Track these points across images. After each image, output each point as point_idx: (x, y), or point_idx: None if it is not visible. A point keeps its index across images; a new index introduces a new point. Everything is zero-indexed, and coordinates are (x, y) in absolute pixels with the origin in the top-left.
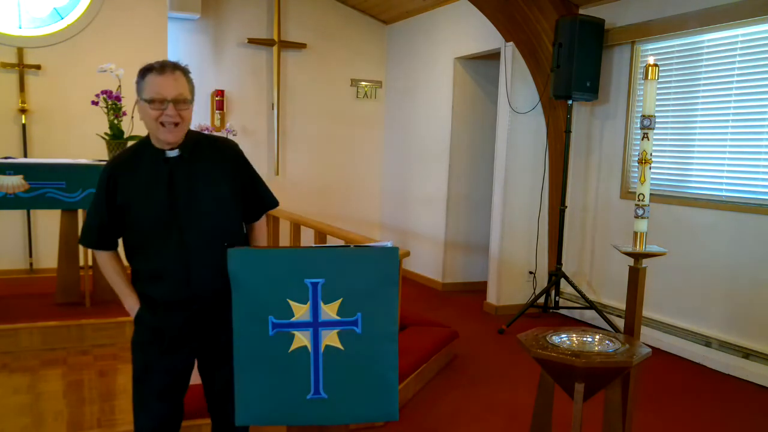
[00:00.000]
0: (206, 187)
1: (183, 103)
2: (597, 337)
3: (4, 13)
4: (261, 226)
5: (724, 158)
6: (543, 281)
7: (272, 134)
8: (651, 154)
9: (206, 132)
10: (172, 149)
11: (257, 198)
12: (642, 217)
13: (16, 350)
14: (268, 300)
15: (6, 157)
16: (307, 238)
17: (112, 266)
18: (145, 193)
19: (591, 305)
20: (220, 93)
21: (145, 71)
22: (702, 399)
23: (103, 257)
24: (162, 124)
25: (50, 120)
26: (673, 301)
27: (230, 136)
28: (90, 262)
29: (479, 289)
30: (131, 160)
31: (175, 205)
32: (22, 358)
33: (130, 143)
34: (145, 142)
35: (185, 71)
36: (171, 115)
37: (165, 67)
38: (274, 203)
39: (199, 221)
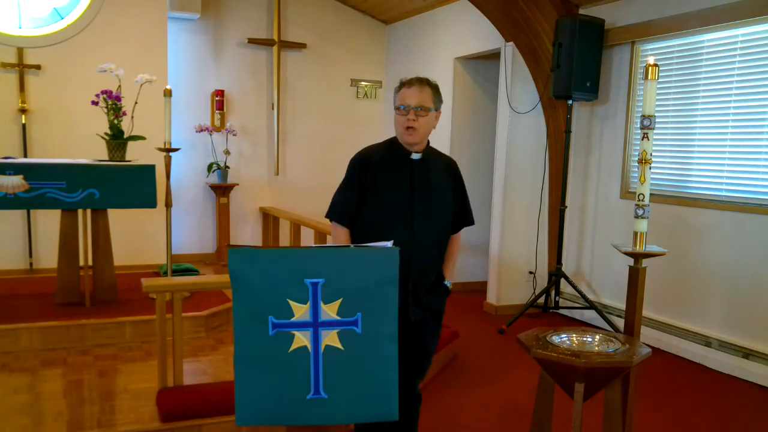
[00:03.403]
0: (438, 190)
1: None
2: (597, 337)
3: (4, 13)
4: (458, 239)
5: (724, 158)
6: (543, 281)
7: (272, 134)
8: (651, 154)
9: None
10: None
11: (464, 211)
12: (642, 217)
13: (16, 350)
14: (268, 300)
15: (6, 157)
16: (307, 238)
17: (344, 242)
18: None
19: (591, 305)
20: (220, 93)
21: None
22: (702, 399)
23: (341, 234)
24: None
25: (50, 120)
26: (673, 301)
27: (230, 136)
28: (90, 262)
29: (479, 289)
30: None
31: (412, 196)
32: (22, 358)
33: (130, 143)
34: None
35: (432, 85)
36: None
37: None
38: (471, 222)
39: (428, 214)
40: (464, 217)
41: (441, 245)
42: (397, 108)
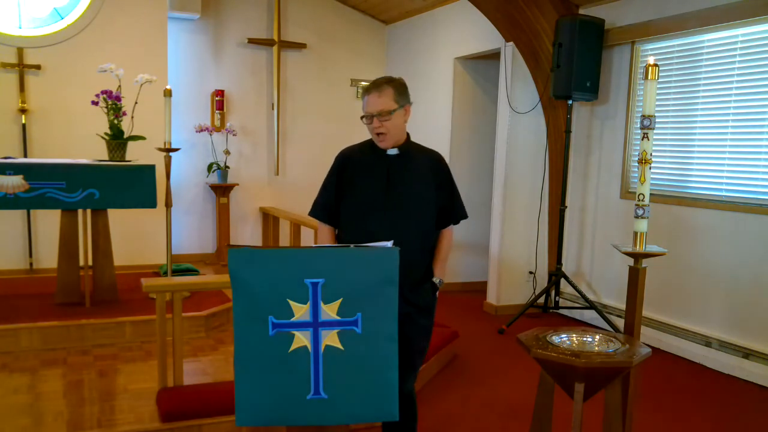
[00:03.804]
0: (416, 185)
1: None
2: (597, 337)
3: (4, 13)
4: (449, 235)
5: (724, 158)
6: (543, 281)
7: (272, 134)
8: (651, 154)
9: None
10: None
11: (451, 206)
12: (642, 217)
13: (16, 350)
14: (268, 300)
15: (6, 157)
16: (307, 238)
17: (328, 240)
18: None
19: (591, 305)
20: (220, 93)
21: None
22: (702, 399)
23: (324, 231)
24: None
25: (50, 120)
26: (673, 301)
27: (230, 136)
28: (90, 262)
29: (479, 289)
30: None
31: (389, 191)
32: (22, 358)
33: (129, 143)
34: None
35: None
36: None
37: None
38: (461, 216)
39: (406, 209)
40: (452, 212)
41: (424, 240)
42: (362, 118)
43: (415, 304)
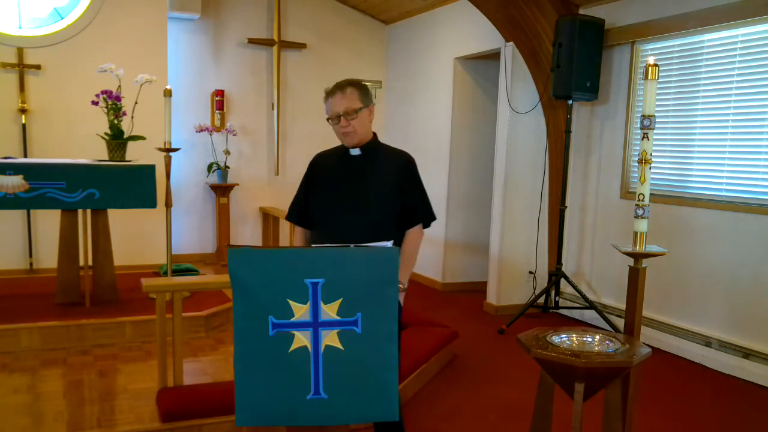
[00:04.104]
0: (376, 182)
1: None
2: (597, 337)
3: (4, 13)
4: (413, 236)
5: (724, 158)
6: (543, 281)
7: (272, 134)
8: (651, 154)
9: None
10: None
11: (414, 207)
12: (642, 217)
13: (16, 350)
14: (268, 300)
15: (6, 157)
16: None
17: (300, 242)
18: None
19: (591, 305)
20: (220, 93)
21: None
22: (702, 399)
23: (297, 232)
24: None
25: (50, 120)
26: (673, 301)
27: (230, 136)
28: (90, 262)
29: (479, 289)
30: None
31: (348, 189)
32: (22, 358)
33: (129, 143)
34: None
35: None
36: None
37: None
38: (427, 218)
39: (362, 205)
40: (416, 212)
41: (381, 238)
42: (328, 120)
43: None
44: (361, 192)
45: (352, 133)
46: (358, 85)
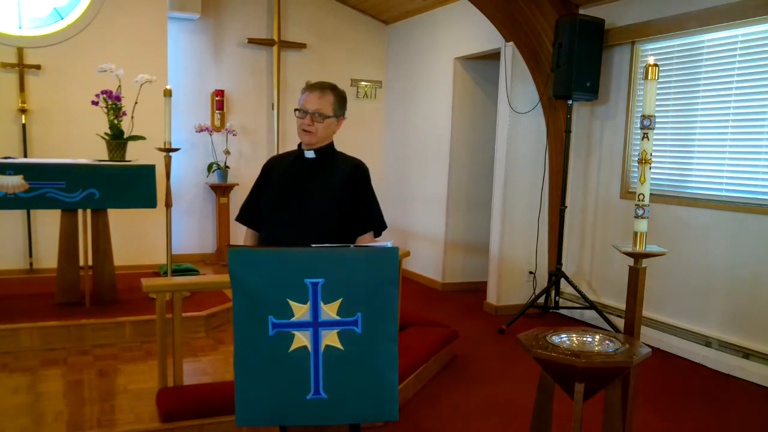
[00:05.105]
0: (322, 185)
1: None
2: (597, 337)
3: (4, 13)
4: (365, 242)
5: (724, 158)
6: (543, 281)
7: (272, 134)
8: (651, 154)
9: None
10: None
11: (363, 214)
12: (642, 217)
13: (16, 350)
14: (268, 300)
15: (6, 157)
16: None
17: (249, 242)
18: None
19: (591, 305)
20: (220, 93)
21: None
22: (702, 399)
23: (247, 234)
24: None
25: (50, 120)
26: (673, 301)
27: (230, 136)
28: (90, 262)
29: (479, 289)
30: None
31: (293, 189)
32: (22, 358)
33: (129, 143)
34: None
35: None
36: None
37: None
38: (377, 226)
39: (306, 206)
40: (365, 219)
41: (324, 239)
42: (296, 110)
43: None
44: (307, 192)
45: (312, 133)
46: (338, 95)
